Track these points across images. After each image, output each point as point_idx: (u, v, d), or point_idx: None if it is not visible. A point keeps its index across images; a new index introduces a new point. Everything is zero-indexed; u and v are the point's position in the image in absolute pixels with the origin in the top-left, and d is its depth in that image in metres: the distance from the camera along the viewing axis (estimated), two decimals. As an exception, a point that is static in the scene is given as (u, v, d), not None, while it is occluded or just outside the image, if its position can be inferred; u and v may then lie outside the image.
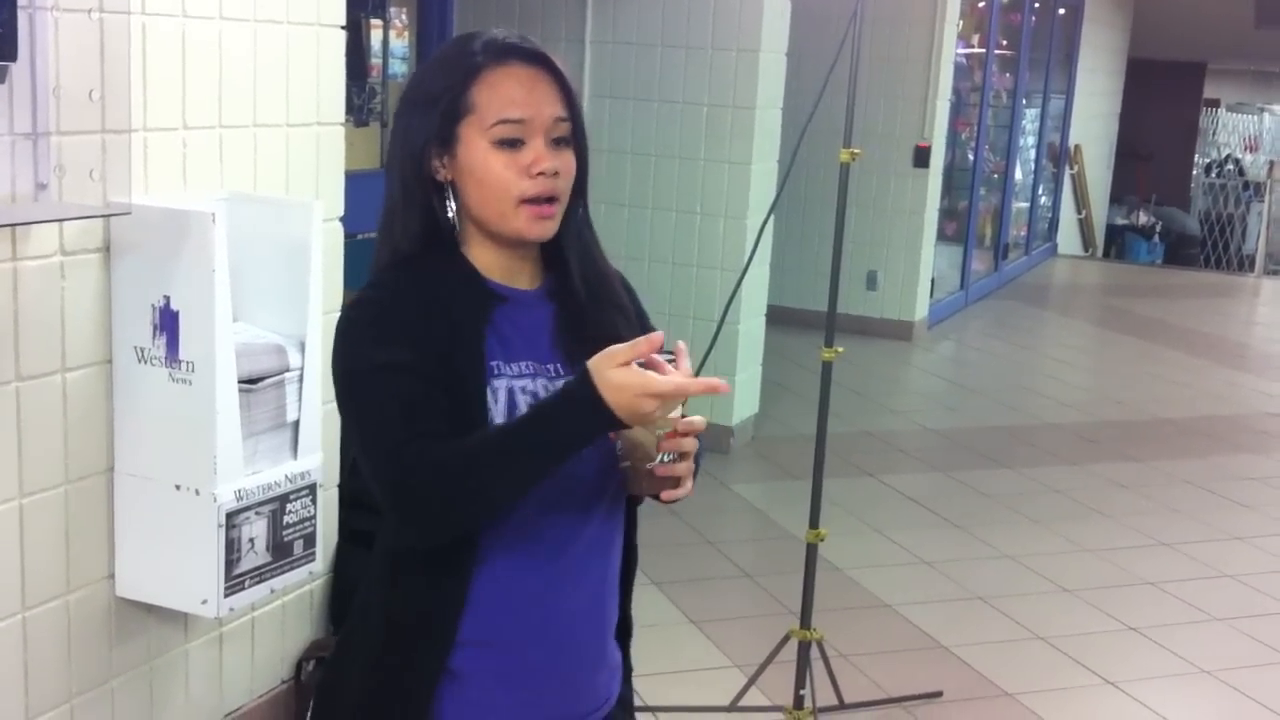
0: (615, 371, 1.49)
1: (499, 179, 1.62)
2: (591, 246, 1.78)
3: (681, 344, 1.59)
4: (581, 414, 1.50)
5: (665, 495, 1.63)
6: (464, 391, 1.59)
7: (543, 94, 1.64)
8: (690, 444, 1.60)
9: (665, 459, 1.60)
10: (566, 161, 1.67)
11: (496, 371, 1.63)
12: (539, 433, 1.53)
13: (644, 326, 1.78)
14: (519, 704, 1.68)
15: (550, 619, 1.69)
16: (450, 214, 1.66)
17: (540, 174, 1.63)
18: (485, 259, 1.69)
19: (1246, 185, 17.20)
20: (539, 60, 1.66)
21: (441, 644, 1.64)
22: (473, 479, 1.53)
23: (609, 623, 1.79)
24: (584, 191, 1.74)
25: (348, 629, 1.79)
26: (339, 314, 1.68)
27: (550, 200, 1.65)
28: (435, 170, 1.65)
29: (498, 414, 1.61)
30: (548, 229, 1.67)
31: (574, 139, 1.69)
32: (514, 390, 1.64)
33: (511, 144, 1.62)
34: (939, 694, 3.92)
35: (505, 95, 1.62)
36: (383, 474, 1.57)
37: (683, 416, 1.60)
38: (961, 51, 9.37)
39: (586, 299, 1.74)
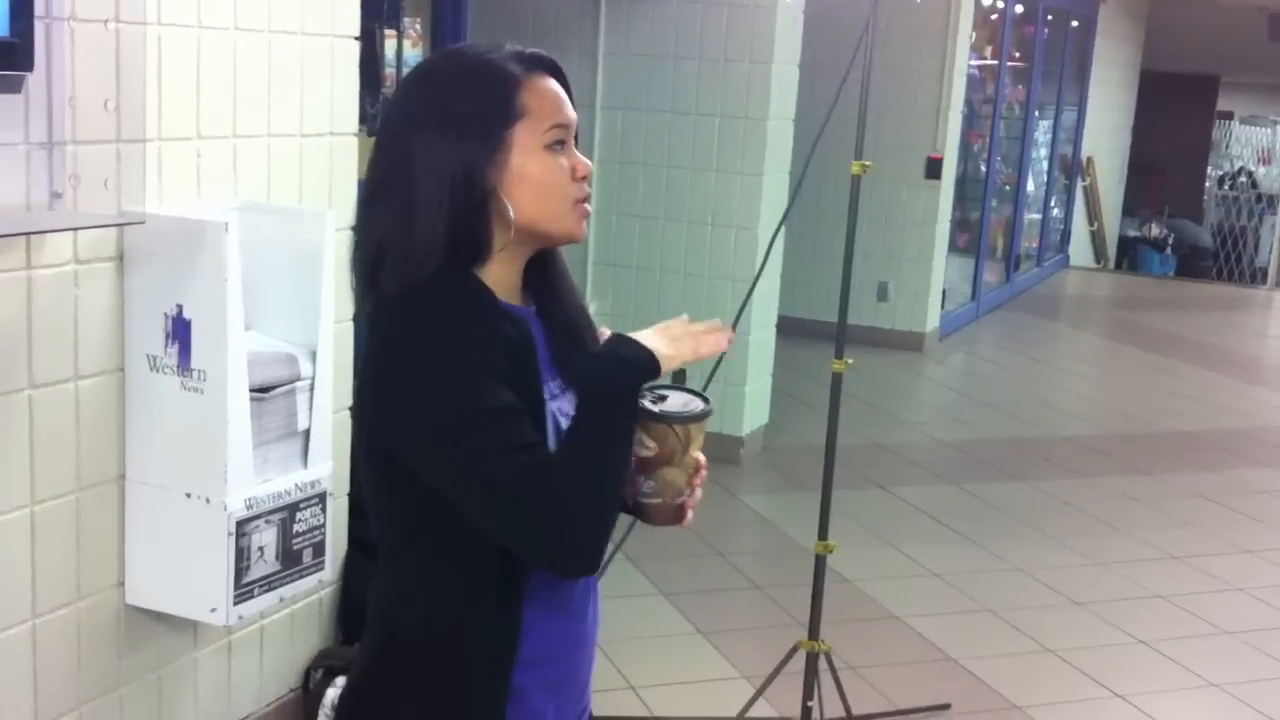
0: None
1: (558, 180, 1.64)
2: (564, 259, 1.79)
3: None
4: (631, 354, 1.60)
5: (685, 522, 1.74)
6: (535, 418, 1.60)
7: (568, 101, 1.68)
8: (704, 476, 1.73)
9: (688, 493, 1.73)
10: (591, 164, 1.71)
11: (548, 394, 1.65)
12: (616, 397, 1.60)
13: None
14: (558, 709, 1.73)
15: (580, 625, 1.74)
16: (512, 220, 1.62)
17: (583, 178, 1.67)
18: (497, 277, 1.66)
19: (1259, 198, 17.16)
20: (558, 71, 1.69)
21: (507, 663, 1.65)
22: (611, 474, 1.58)
23: (599, 619, 1.85)
24: None
25: (375, 662, 1.72)
26: (388, 341, 1.60)
27: (588, 200, 1.70)
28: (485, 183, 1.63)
29: (551, 439, 1.63)
30: (586, 228, 1.71)
31: None
32: (554, 413, 1.66)
33: (558, 146, 1.65)
34: (947, 706, 3.91)
35: (553, 100, 1.65)
36: (531, 514, 1.54)
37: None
38: (974, 63, 9.37)
39: (570, 312, 1.76)
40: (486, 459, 1.53)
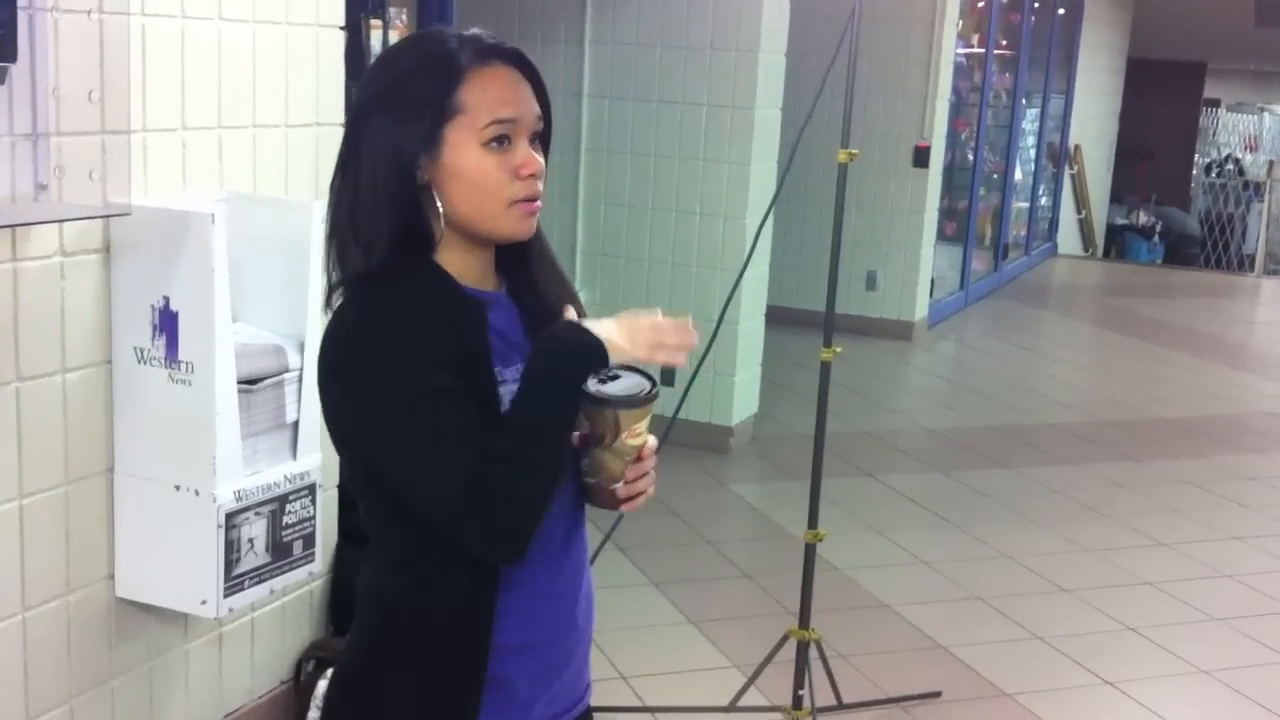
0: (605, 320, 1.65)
1: (493, 180, 1.61)
2: (547, 242, 1.77)
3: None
4: (575, 339, 1.60)
5: (626, 507, 1.70)
6: (481, 403, 1.59)
7: (525, 94, 1.65)
8: (650, 464, 1.69)
9: (622, 480, 1.68)
10: (542, 162, 1.67)
11: (500, 378, 1.63)
12: (552, 382, 1.59)
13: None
14: (547, 698, 1.73)
15: (566, 614, 1.73)
16: (441, 214, 1.62)
17: (530, 175, 1.63)
18: (458, 263, 1.65)
19: (1246, 185, 17.20)
20: (518, 60, 1.66)
21: (481, 652, 1.65)
22: (539, 461, 1.57)
23: (594, 608, 1.85)
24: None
25: (363, 648, 1.73)
26: (336, 328, 1.60)
27: (536, 198, 1.65)
28: (418, 174, 1.62)
29: None
30: (533, 227, 1.67)
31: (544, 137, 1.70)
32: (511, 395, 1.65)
33: (501, 143, 1.61)
34: (938, 694, 3.92)
35: (496, 95, 1.61)
36: (458, 499, 1.54)
37: (644, 444, 1.68)
38: (961, 51, 9.37)
39: (546, 295, 1.74)
40: (412, 444, 1.55)
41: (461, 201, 1.62)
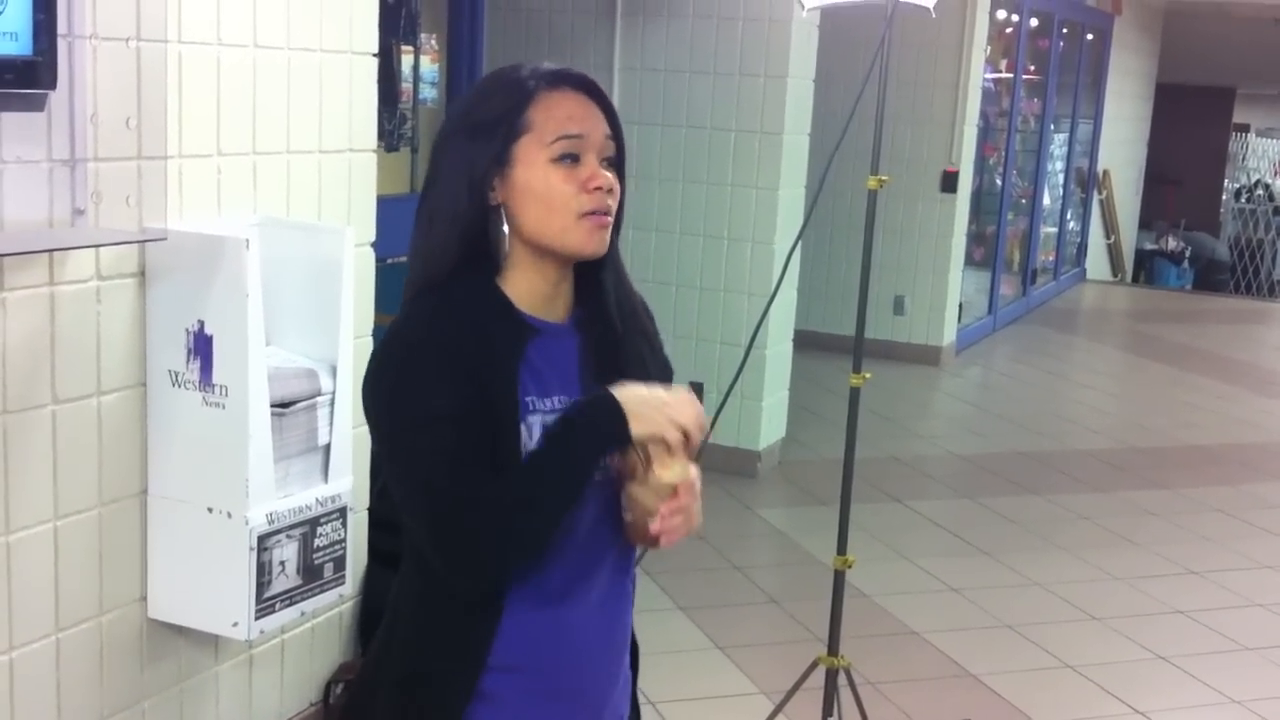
0: (637, 387, 1.64)
1: (561, 193, 1.65)
2: (624, 274, 1.80)
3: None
4: (600, 416, 1.61)
5: (664, 542, 1.67)
6: (498, 428, 1.62)
7: (593, 114, 1.70)
8: (687, 501, 1.65)
9: (656, 518, 1.65)
10: (616, 182, 1.71)
11: (531, 407, 1.65)
12: (562, 447, 1.61)
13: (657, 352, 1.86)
14: None
15: (579, 649, 1.73)
16: (505, 235, 1.67)
17: (597, 189, 1.66)
18: (523, 288, 1.69)
19: (1277, 210, 17.10)
20: (587, 86, 1.71)
21: (472, 668, 1.67)
22: (517, 517, 1.59)
23: (626, 647, 1.86)
24: (620, 221, 1.76)
25: (375, 651, 1.80)
26: (374, 348, 1.68)
27: (606, 214, 1.69)
28: (491, 194, 1.67)
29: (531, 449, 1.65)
30: (604, 242, 1.70)
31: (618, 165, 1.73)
32: (547, 426, 1.66)
33: (570, 159, 1.66)
34: (967, 722, 3.90)
35: (563, 113, 1.66)
36: (431, 526, 1.61)
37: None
38: (989, 77, 9.37)
39: (618, 328, 1.75)
40: (401, 463, 1.63)
41: (531, 218, 1.66)
